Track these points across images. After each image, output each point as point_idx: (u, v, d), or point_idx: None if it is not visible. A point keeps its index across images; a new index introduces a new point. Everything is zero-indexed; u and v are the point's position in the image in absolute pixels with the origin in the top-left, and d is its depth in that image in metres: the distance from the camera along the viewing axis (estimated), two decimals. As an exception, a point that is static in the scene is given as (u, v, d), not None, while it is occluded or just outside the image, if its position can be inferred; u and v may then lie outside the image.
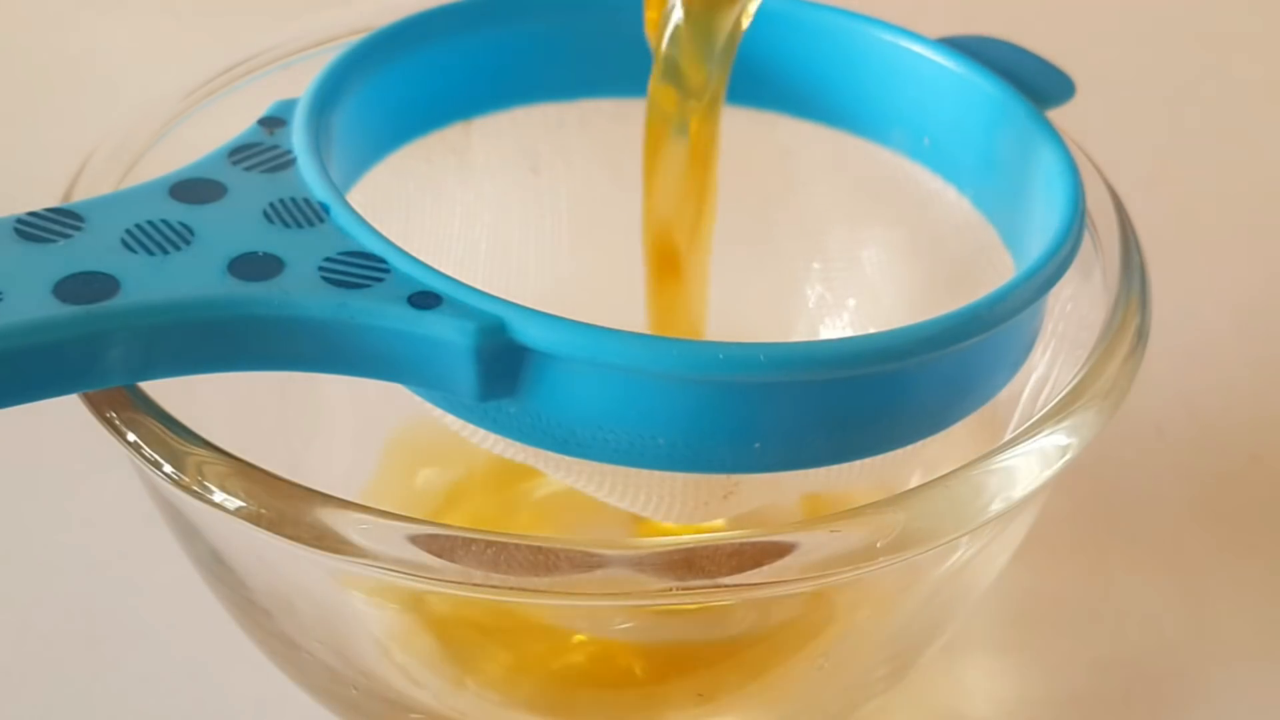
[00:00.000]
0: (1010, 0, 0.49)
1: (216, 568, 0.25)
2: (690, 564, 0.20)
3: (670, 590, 0.20)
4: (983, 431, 0.28)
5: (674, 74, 0.25)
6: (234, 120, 0.24)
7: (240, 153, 0.23)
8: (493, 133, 0.29)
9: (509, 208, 0.30)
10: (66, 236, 0.21)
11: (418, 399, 0.22)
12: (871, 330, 0.23)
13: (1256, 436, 0.36)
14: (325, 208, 0.22)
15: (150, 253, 0.21)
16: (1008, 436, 0.22)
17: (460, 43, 0.27)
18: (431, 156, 0.28)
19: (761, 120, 0.29)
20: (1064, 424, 0.22)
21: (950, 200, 0.27)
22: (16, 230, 0.21)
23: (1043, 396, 0.25)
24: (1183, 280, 0.37)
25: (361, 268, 0.21)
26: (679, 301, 0.28)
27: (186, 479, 0.21)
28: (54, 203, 0.22)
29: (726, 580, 0.20)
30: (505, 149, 0.29)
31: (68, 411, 0.23)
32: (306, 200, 0.22)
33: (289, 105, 0.24)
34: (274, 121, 0.24)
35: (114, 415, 0.22)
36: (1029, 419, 0.23)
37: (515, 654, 0.26)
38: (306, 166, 0.23)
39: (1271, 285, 0.41)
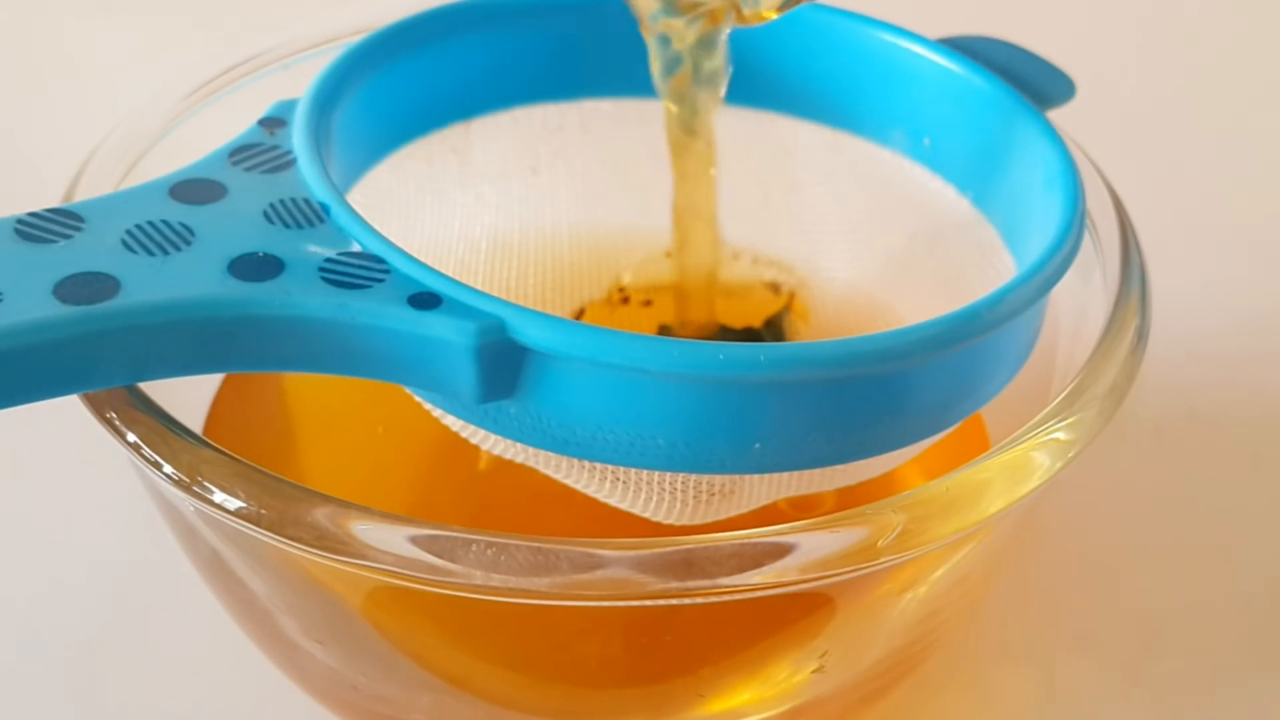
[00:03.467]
0: (1010, 0, 0.49)
1: (216, 568, 0.25)
2: (690, 564, 0.20)
3: (670, 590, 0.20)
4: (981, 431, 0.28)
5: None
6: (234, 120, 0.24)
7: (240, 153, 0.23)
8: (493, 133, 0.29)
9: (509, 208, 0.30)
10: (67, 237, 0.21)
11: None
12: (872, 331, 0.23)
13: (1256, 436, 0.36)
14: (325, 208, 0.22)
15: (150, 253, 0.21)
16: (1009, 436, 0.22)
17: (460, 43, 0.27)
18: (432, 157, 0.28)
19: (761, 120, 0.29)
20: (1064, 424, 0.22)
21: (950, 200, 0.27)
22: (17, 230, 0.21)
23: (1044, 395, 0.25)
24: (1183, 280, 0.37)
25: (361, 268, 0.21)
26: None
27: (186, 479, 0.21)
28: (54, 203, 0.22)
29: (726, 580, 0.20)
30: (505, 149, 0.29)
31: (68, 411, 0.23)
32: (307, 201, 0.22)
33: (289, 106, 0.24)
34: (274, 122, 0.24)
35: (114, 415, 0.22)
36: (1031, 416, 0.23)
37: (514, 654, 0.26)
38: (307, 167, 0.23)
39: (1271, 285, 0.41)
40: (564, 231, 0.30)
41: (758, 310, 0.31)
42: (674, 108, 0.27)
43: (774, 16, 0.25)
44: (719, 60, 0.26)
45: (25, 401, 0.20)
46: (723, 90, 0.26)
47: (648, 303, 0.31)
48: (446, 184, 0.28)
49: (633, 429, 0.21)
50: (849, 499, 0.23)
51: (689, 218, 0.28)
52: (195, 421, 0.27)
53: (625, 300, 0.31)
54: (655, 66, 0.26)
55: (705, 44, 0.26)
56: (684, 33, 0.26)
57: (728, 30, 0.26)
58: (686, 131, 0.27)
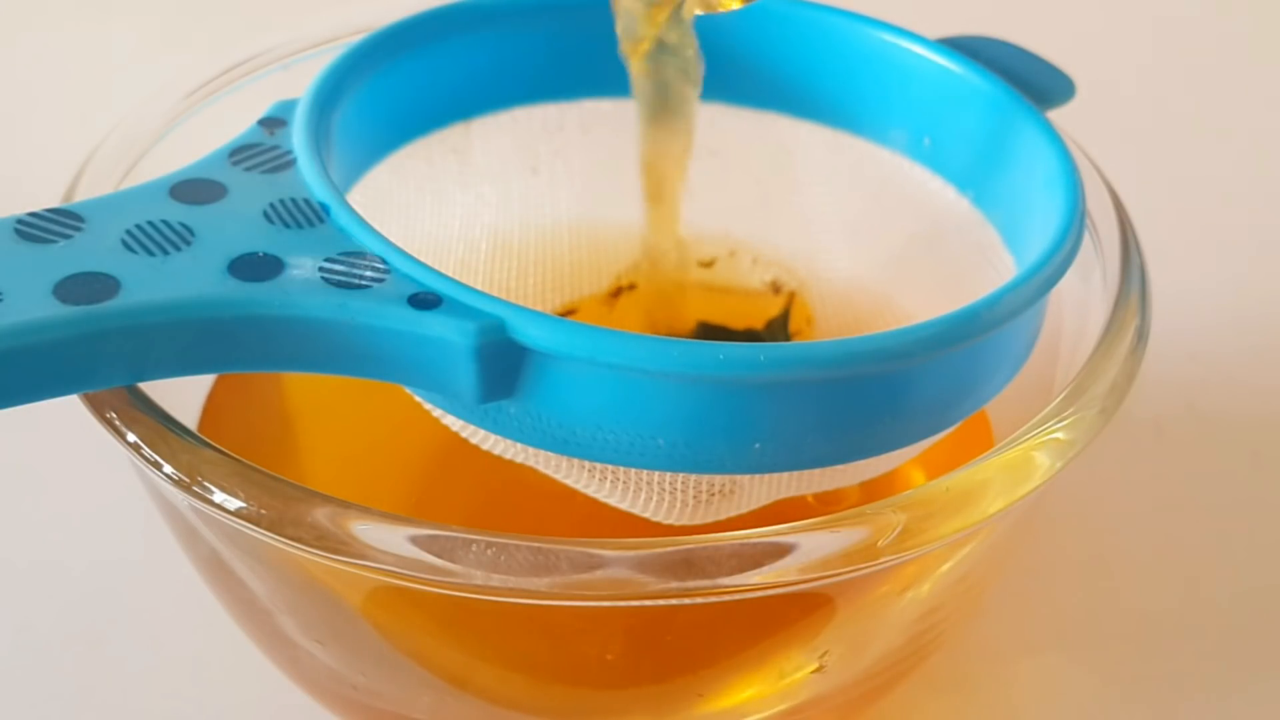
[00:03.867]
0: (1010, 0, 0.49)
1: (216, 568, 0.25)
2: (690, 564, 0.20)
3: (670, 590, 0.20)
4: (985, 428, 0.28)
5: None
6: (234, 120, 0.24)
7: (240, 153, 0.23)
8: (493, 133, 0.29)
9: (509, 208, 0.30)
10: (67, 237, 0.21)
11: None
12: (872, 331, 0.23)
13: (1256, 436, 0.36)
14: (325, 208, 0.22)
15: (150, 253, 0.21)
16: (1009, 435, 0.22)
17: (460, 43, 0.27)
18: (432, 157, 0.28)
19: (761, 120, 0.29)
20: (1064, 424, 0.22)
21: (950, 200, 0.27)
22: (17, 230, 0.21)
23: (1048, 395, 0.25)
24: (1183, 280, 0.37)
25: (361, 268, 0.21)
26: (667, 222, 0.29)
27: (186, 479, 0.21)
28: (54, 203, 0.22)
29: (726, 580, 0.20)
30: (505, 149, 0.29)
31: (68, 411, 0.23)
32: (307, 201, 0.22)
33: (289, 106, 0.24)
34: (274, 122, 0.24)
35: (114, 415, 0.22)
36: (1031, 416, 0.23)
37: (514, 654, 0.26)
38: (307, 167, 0.23)
39: (1271, 284, 0.41)
40: (563, 231, 0.30)
41: (758, 310, 0.31)
42: (643, 84, 0.27)
43: (736, 6, 0.25)
44: (689, 44, 0.26)
45: (25, 401, 0.20)
46: (697, 80, 0.26)
47: (632, 286, 0.31)
48: (446, 184, 0.28)
49: (633, 429, 0.21)
50: (872, 493, 0.23)
51: (652, 180, 0.28)
52: (190, 421, 0.27)
53: (617, 294, 0.31)
54: (621, 38, 0.26)
55: (674, 25, 0.26)
56: (650, 12, 0.26)
57: (691, 13, 0.26)
58: (652, 114, 0.27)
